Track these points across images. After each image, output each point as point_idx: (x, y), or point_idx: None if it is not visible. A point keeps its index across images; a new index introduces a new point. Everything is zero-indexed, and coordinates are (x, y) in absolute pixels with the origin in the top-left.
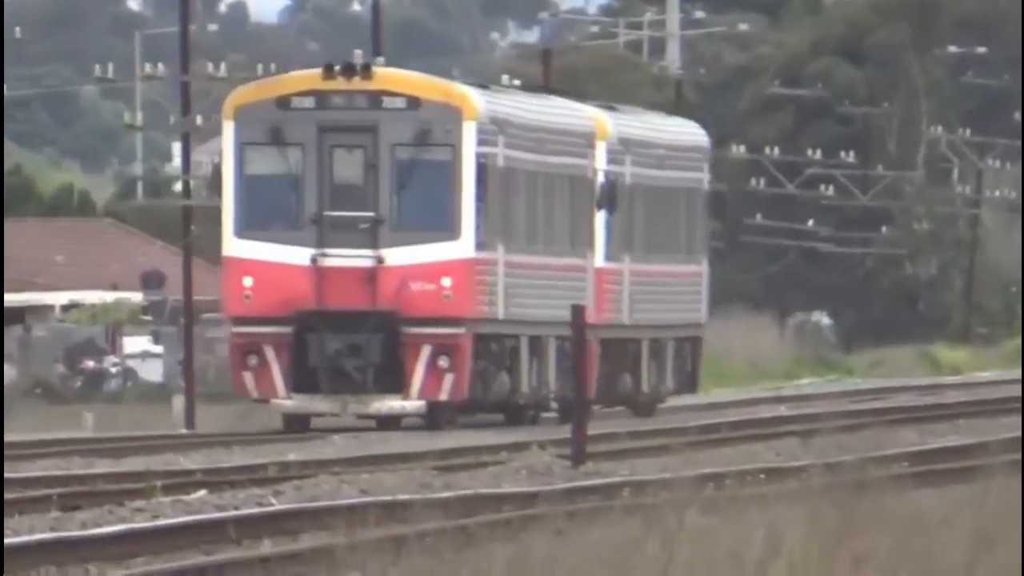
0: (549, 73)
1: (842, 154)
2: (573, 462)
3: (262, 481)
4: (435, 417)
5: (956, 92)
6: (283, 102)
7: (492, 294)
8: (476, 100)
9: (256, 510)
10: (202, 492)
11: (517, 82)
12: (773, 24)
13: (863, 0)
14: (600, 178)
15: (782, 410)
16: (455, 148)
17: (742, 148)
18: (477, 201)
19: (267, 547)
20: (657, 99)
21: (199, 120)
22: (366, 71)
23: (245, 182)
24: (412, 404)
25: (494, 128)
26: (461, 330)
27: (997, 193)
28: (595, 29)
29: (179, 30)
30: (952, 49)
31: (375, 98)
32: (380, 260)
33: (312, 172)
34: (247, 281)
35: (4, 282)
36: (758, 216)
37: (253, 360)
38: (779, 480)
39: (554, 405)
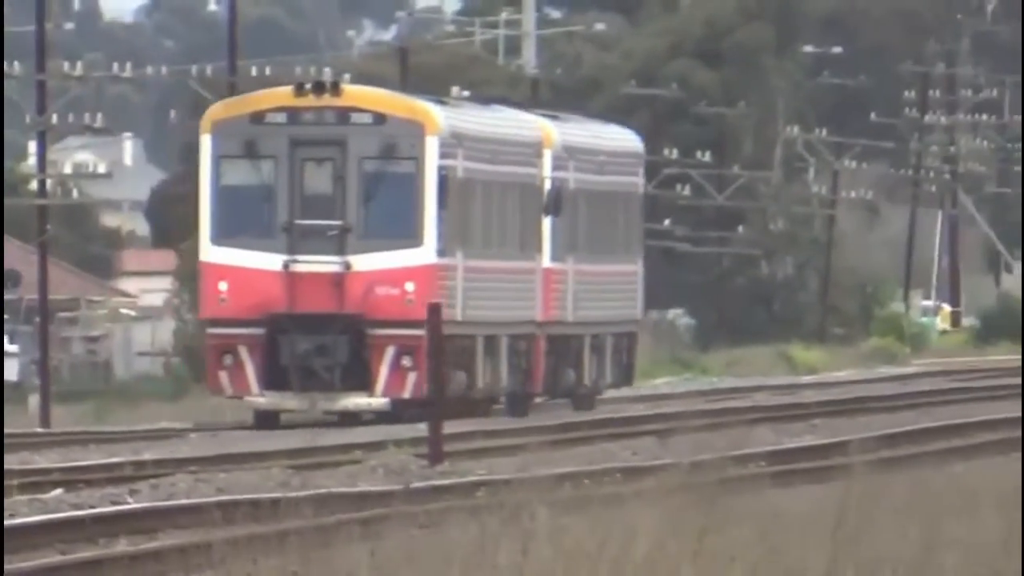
0: (406, 71)
1: (698, 154)
2: (430, 461)
3: (118, 480)
4: (398, 413)
5: (812, 92)
6: (257, 117)
7: (452, 297)
8: (438, 116)
9: (112, 509)
10: (58, 491)
11: (466, 93)
12: (630, 24)
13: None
14: (547, 184)
15: (639, 409)
16: (418, 161)
17: None
18: (438, 210)
19: (123, 546)
20: (512, 98)
21: (55, 119)
22: (335, 89)
23: (221, 192)
24: (377, 401)
25: (454, 142)
26: (423, 332)
27: (853, 194)
28: (451, 28)
29: (35, 28)
30: (808, 49)
31: (343, 114)
32: (347, 266)
33: (284, 183)
34: (222, 285)
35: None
36: None
37: (228, 359)
38: (636, 479)
39: (503, 399)
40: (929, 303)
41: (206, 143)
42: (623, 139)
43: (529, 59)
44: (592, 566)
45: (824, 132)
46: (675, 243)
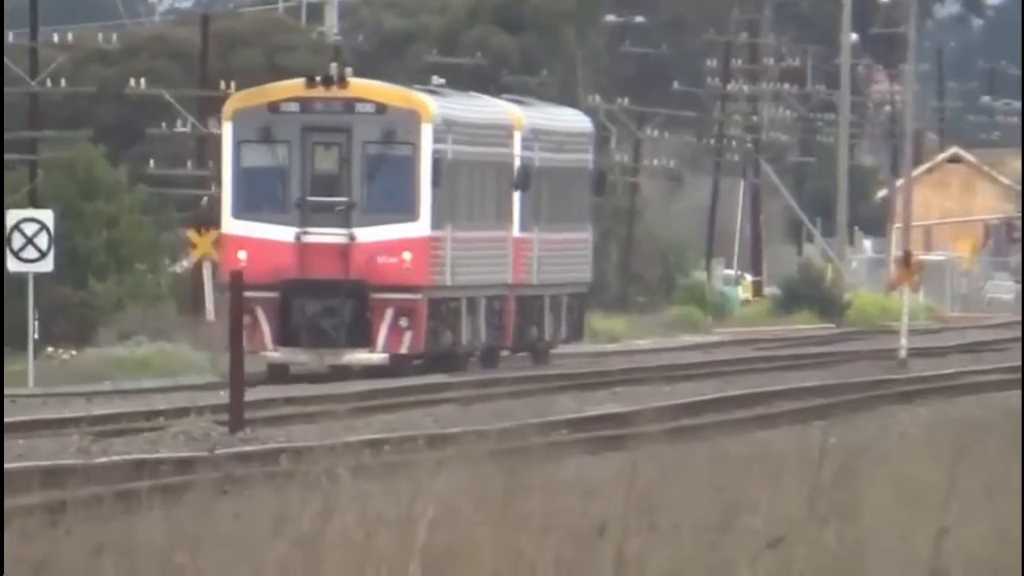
0: (208, 38)
1: None
2: (231, 428)
3: None
4: (397, 367)
5: (614, 61)
6: (273, 107)
7: (442, 265)
8: (432, 105)
9: None
10: None
11: (442, 81)
12: None
13: None
14: (517, 162)
15: (441, 377)
16: (415, 146)
17: None
18: (432, 189)
19: None
20: (315, 63)
21: None
22: (342, 82)
23: (241, 173)
24: (377, 356)
25: (444, 128)
26: (418, 296)
27: (656, 162)
28: None
29: None
30: (610, 18)
31: (349, 104)
32: (352, 238)
33: (296, 165)
34: (242, 254)
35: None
36: None
37: (247, 319)
38: (438, 447)
39: (477, 353)
40: (731, 272)
41: (227, 129)
42: (576, 121)
43: (331, 25)
44: (393, 532)
45: (626, 101)
46: None
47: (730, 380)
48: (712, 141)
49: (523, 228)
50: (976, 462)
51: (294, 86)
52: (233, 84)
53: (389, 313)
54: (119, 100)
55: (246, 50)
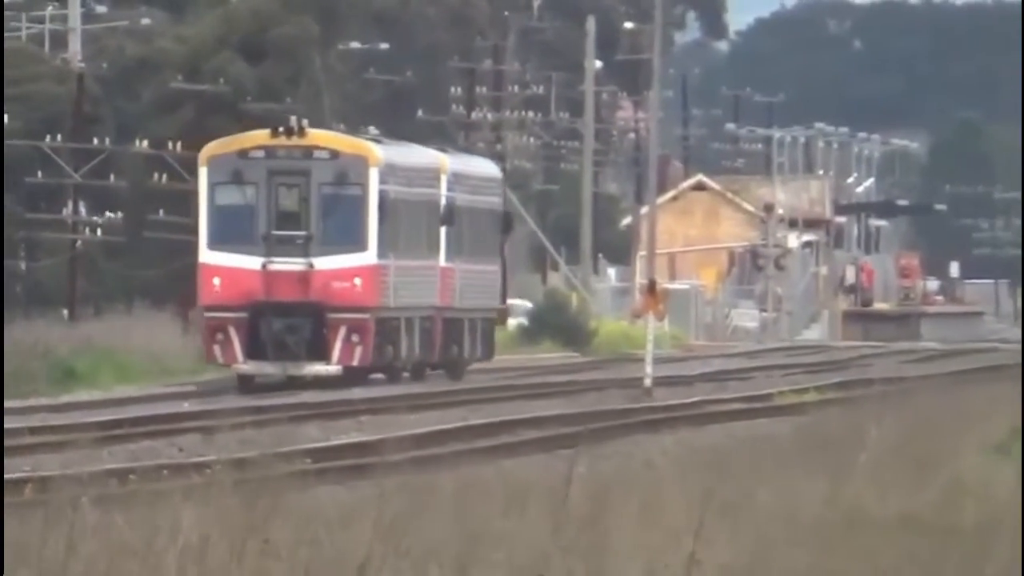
0: None
1: None
2: None
3: None
4: (350, 377)
5: (358, 88)
6: (242, 153)
7: (387, 289)
8: (378, 152)
9: None
10: None
11: (376, 131)
12: (177, 18)
13: None
14: (443, 202)
15: (185, 406)
16: (363, 186)
17: (144, 143)
18: (378, 224)
19: None
20: (59, 91)
21: None
22: (301, 132)
23: (215, 210)
24: (332, 368)
25: (388, 171)
26: (367, 316)
27: None
28: None
29: None
30: (355, 45)
31: (307, 151)
32: (311, 265)
33: (263, 203)
34: (216, 280)
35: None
36: (160, 212)
37: (220, 336)
38: (182, 476)
39: (408, 367)
40: None
41: (203, 173)
42: (488, 167)
43: (75, 53)
44: (138, 562)
45: (371, 129)
46: None
47: (475, 409)
48: None
49: (448, 259)
50: (721, 491)
51: (261, 135)
52: None
53: (343, 330)
54: None
55: None
